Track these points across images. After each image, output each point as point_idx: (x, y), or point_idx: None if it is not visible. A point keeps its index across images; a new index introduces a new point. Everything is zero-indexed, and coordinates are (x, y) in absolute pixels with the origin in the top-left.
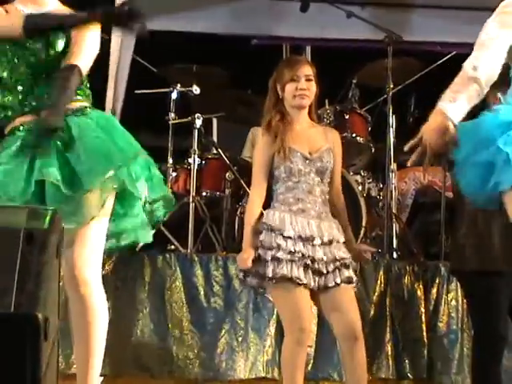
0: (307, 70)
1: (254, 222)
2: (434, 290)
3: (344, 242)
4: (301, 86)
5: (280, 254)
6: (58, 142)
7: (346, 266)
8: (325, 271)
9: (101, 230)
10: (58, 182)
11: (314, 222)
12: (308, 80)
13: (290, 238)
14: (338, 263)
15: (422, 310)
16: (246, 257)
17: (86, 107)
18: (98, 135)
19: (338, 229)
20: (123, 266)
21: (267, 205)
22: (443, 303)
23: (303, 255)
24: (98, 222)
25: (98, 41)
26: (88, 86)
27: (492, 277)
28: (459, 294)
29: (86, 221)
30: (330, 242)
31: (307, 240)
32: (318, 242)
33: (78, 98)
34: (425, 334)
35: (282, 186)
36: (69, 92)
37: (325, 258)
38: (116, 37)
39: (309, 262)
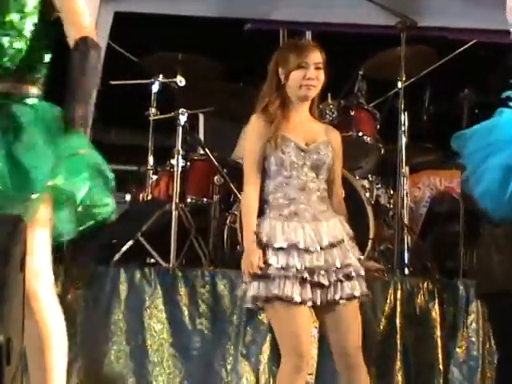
0: (317, 57)
1: (254, 218)
2: (452, 311)
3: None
4: (310, 74)
5: (271, 271)
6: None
7: (350, 278)
8: (326, 283)
9: (47, 236)
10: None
11: (309, 227)
12: (317, 68)
13: (281, 249)
14: (341, 274)
15: (438, 333)
16: (254, 258)
17: (33, 95)
18: (43, 128)
19: (342, 225)
20: (96, 281)
21: (258, 210)
22: (462, 326)
23: (298, 269)
24: (45, 228)
25: None
26: (44, 72)
27: None
28: (480, 316)
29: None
30: (332, 246)
31: (302, 249)
32: (315, 248)
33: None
34: (440, 360)
35: (272, 183)
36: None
37: (325, 268)
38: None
39: (306, 275)
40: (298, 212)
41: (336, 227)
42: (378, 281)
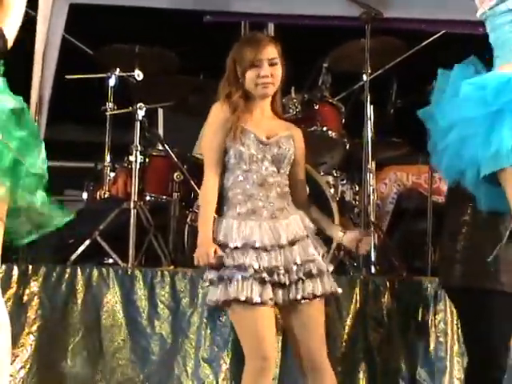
0: (271, 52)
1: (211, 217)
2: (419, 311)
3: (317, 234)
4: (264, 72)
5: (228, 272)
6: None
7: (311, 276)
8: (287, 282)
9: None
10: None
11: (267, 225)
12: (272, 64)
13: (237, 249)
14: (301, 272)
15: (404, 333)
16: (209, 249)
17: None
18: None
19: (302, 220)
20: (51, 281)
21: (218, 208)
22: (429, 326)
23: (256, 269)
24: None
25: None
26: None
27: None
28: (449, 315)
29: None
30: (292, 244)
31: (259, 248)
32: (273, 247)
33: None
34: (407, 361)
35: (231, 177)
36: None
37: (285, 266)
38: (43, 12)
39: (265, 275)
40: (255, 210)
41: (296, 223)
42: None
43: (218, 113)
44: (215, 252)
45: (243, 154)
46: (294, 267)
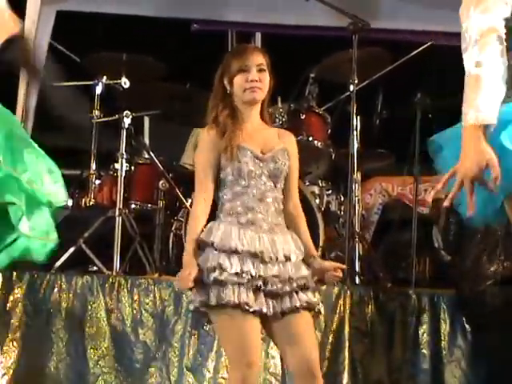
0: (258, 59)
1: (198, 232)
2: (403, 322)
3: (303, 260)
4: (252, 76)
5: (224, 276)
6: None
7: (305, 288)
8: (280, 293)
9: None
10: None
11: (265, 237)
12: (260, 70)
13: (236, 253)
14: (294, 284)
15: (388, 345)
16: (187, 274)
17: None
18: None
19: (295, 243)
20: (35, 288)
21: (212, 216)
22: (413, 338)
23: (252, 276)
24: None
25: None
26: None
27: None
28: (432, 326)
29: None
30: (286, 260)
31: (258, 257)
32: (270, 258)
33: None
34: (390, 374)
35: (229, 192)
36: None
37: (279, 278)
38: (31, 18)
39: (260, 283)
40: (254, 221)
41: (290, 243)
42: (336, 280)
43: (206, 137)
44: (191, 274)
45: (242, 170)
46: (288, 281)
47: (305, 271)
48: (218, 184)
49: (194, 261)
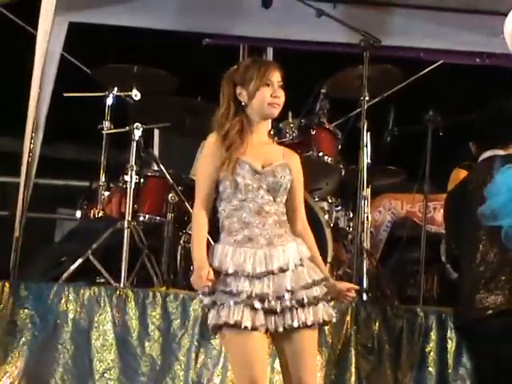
0: (279, 75)
1: (204, 239)
2: (410, 340)
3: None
4: (276, 93)
5: (220, 297)
6: None
7: (303, 305)
8: (279, 309)
9: None
10: None
11: (262, 252)
12: (280, 87)
13: (230, 274)
14: (294, 300)
15: (394, 362)
16: (203, 273)
17: None
18: None
19: (299, 248)
20: (43, 299)
21: (215, 235)
22: (420, 356)
23: (248, 296)
24: None
25: None
26: None
27: None
28: (439, 345)
29: None
30: (283, 270)
31: (251, 276)
32: (264, 274)
33: None
34: None
35: (227, 207)
36: None
37: (276, 293)
38: (44, 29)
39: (256, 301)
40: (251, 237)
41: (293, 251)
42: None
43: (211, 146)
44: (208, 274)
45: (239, 184)
46: (286, 294)
47: (308, 278)
48: (218, 197)
49: (207, 263)
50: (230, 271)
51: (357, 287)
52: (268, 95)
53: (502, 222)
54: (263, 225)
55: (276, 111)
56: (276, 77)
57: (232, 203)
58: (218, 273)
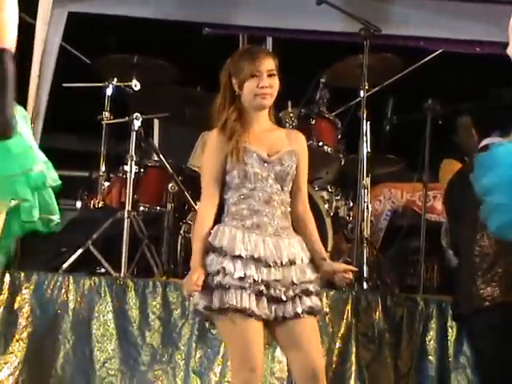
0: (269, 64)
1: (205, 237)
2: (410, 328)
3: (311, 262)
4: (263, 83)
5: (227, 280)
6: None
7: (309, 293)
8: (284, 298)
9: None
10: None
11: (270, 240)
12: (270, 75)
13: (240, 258)
14: (298, 289)
15: (395, 351)
16: (195, 278)
17: None
18: None
19: (301, 246)
20: (43, 289)
21: (218, 219)
22: (420, 344)
23: (255, 280)
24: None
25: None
26: None
27: None
28: (439, 333)
29: None
30: (291, 263)
31: (261, 261)
32: (274, 263)
33: None
34: (397, 380)
35: (235, 195)
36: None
37: (282, 283)
38: (43, 19)
39: (263, 288)
40: (260, 224)
41: (295, 247)
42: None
43: (212, 142)
44: (198, 279)
45: (248, 173)
46: (291, 286)
47: (310, 275)
48: (224, 187)
49: (201, 265)
50: (242, 254)
51: (354, 268)
52: (254, 86)
53: (493, 198)
54: (272, 215)
55: (266, 101)
56: (266, 66)
57: (240, 192)
58: (224, 254)
